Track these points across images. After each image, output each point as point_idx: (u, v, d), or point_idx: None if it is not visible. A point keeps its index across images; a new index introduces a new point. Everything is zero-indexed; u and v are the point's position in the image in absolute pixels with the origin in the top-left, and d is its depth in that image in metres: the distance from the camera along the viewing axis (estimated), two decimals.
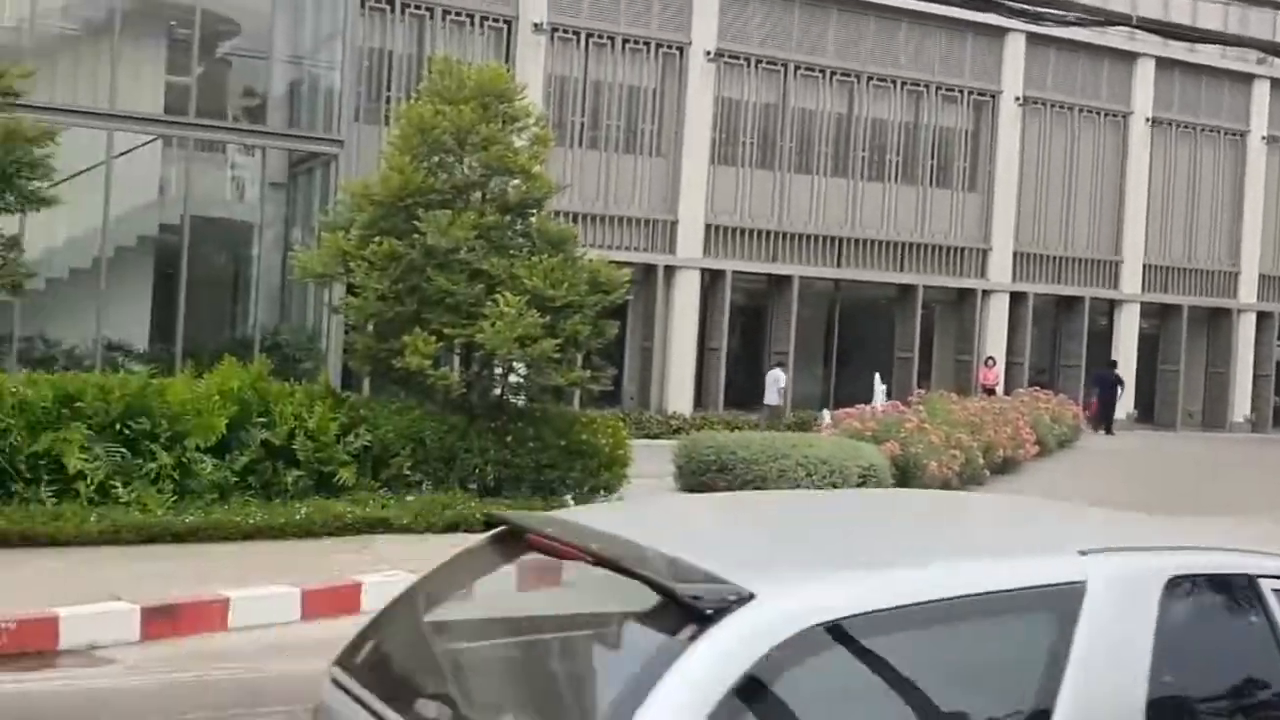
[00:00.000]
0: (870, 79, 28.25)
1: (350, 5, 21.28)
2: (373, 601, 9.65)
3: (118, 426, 11.87)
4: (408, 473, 13.10)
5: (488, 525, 3.78)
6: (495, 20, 24.41)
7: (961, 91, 29.41)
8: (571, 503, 13.49)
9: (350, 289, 14.31)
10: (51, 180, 12.64)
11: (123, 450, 11.80)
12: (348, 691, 3.37)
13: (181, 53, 20.88)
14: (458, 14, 24.01)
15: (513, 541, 3.60)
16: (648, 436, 21.93)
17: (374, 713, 3.20)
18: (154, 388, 12.43)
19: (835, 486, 14.79)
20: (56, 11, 20.05)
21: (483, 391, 14.02)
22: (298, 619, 9.24)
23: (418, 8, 23.75)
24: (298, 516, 11.82)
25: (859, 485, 14.87)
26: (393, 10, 23.53)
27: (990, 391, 27.67)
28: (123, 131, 19.69)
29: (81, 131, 18.48)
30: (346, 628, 8.99)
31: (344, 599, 9.61)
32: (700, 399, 26.42)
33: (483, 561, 3.76)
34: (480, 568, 3.80)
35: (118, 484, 11.58)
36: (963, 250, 29.60)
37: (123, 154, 19.79)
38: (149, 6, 20.75)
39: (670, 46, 26.14)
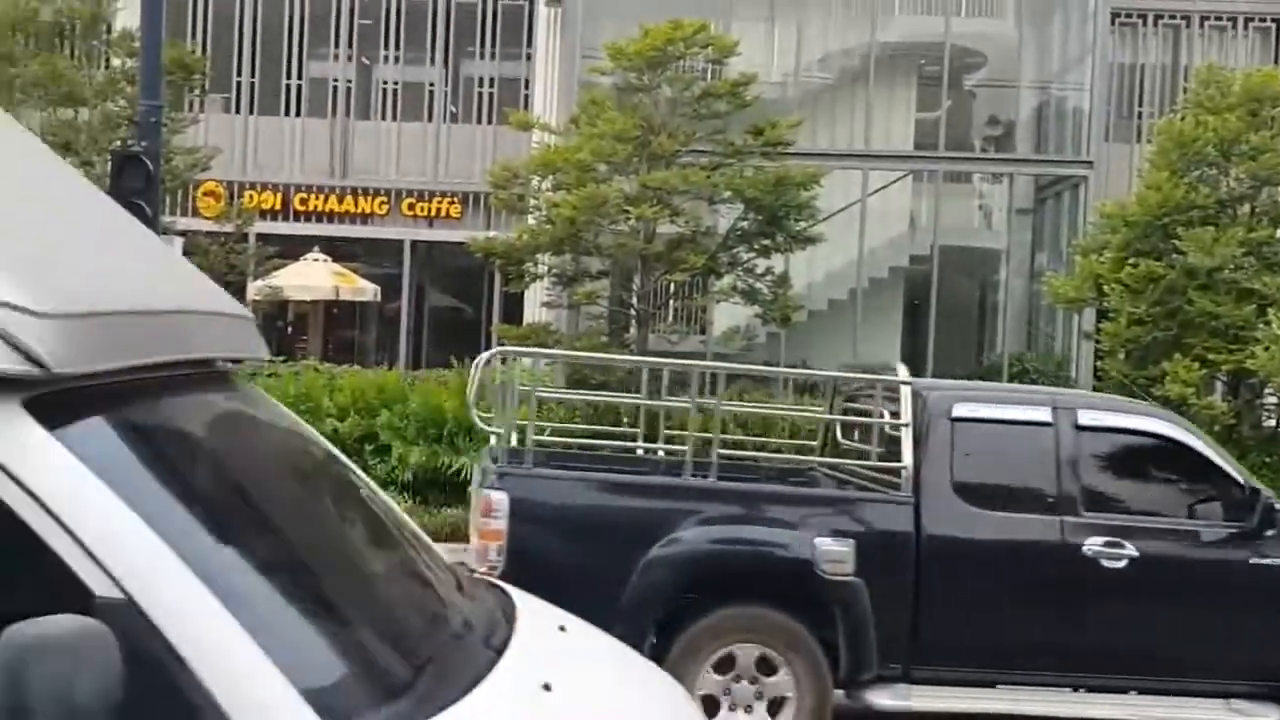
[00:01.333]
0: None
1: (1101, 23, 20.68)
2: None
3: None
4: None
5: None
6: (1261, 20, 22.43)
7: None
8: None
9: (1102, 314, 13.84)
10: (815, 220, 13.58)
11: None
12: None
13: (930, 89, 21.53)
14: (1218, 18, 22.40)
15: None
16: None
17: None
18: None
19: None
20: (816, 64, 21.58)
21: (1254, 423, 12.87)
22: None
23: (1172, 17, 22.50)
24: None
25: None
26: (1145, 23, 22.50)
27: None
28: (876, 170, 20.72)
29: (839, 173, 19.73)
30: None
31: None
32: None
33: None
34: None
35: None
36: None
37: (876, 191, 20.80)
38: (900, 49, 21.66)
39: None
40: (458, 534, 11.67)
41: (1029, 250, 22.18)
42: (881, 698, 6.12)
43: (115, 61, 14.00)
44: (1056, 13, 21.91)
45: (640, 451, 7.98)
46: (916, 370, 20.26)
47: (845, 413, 7.27)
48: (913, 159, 21.40)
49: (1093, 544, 6.19)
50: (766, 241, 13.29)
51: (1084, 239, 14.75)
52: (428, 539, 3.34)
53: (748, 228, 13.20)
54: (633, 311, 13.28)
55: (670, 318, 17.74)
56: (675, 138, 12.65)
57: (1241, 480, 6.44)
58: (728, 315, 17.05)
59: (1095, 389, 17.33)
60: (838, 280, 21.22)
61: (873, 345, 20.84)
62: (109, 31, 14.25)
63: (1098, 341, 14.10)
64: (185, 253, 11.64)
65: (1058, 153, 21.60)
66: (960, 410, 6.45)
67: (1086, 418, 6.48)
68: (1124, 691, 6.34)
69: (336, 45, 22.69)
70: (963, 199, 22.96)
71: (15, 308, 1.97)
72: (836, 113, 21.45)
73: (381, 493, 3.41)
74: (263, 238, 17.91)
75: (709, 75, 14.87)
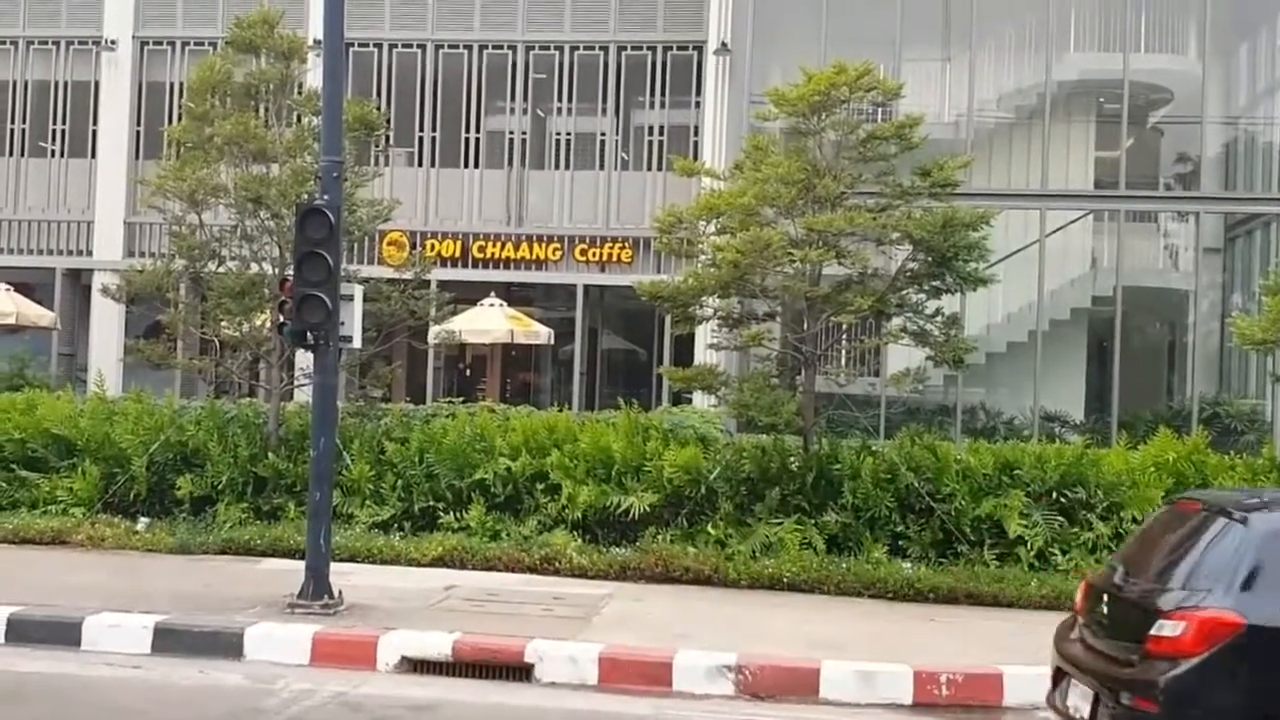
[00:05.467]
0: None
1: None
2: None
3: (1054, 495, 12.17)
4: None
5: None
6: None
7: None
8: None
9: None
10: (987, 261, 13.33)
11: (1060, 518, 12.06)
12: None
13: (1110, 127, 21.02)
14: None
15: None
16: None
17: None
18: (1089, 458, 12.54)
19: None
20: (991, 103, 21.29)
21: None
22: None
23: None
24: None
25: None
26: None
27: None
28: (1054, 210, 20.27)
29: (1014, 213, 19.37)
30: None
31: None
32: None
33: None
34: None
35: (1056, 551, 11.84)
36: None
37: (1054, 231, 20.35)
38: (1078, 87, 21.22)
39: None
40: (626, 573, 11.80)
41: (1219, 290, 21.37)
42: None
43: (303, 120, 14.70)
44: (1243, 46, 21.16)
45: None
46: (1100, 415, 19.71)
47: None
48: (1093, 198, 20.89)
49: None
50: (936, 283, 13.10)
51: (1273, 277, 14.09)
52: None
53: (917, 269, 13.04)
54: (801, 353, 13.22)
55: (842, 359, 17.64)
56: (841, 180, 12.62)
57: None
58: (903, 357, 16.87)
59: None
60: (1017, 322, 20.81)
61: (1054, 387, 20.32)
62: (298, 91, 14.98)
63: None
64: (367, 299, 12.10)
65: (1247, 190, 20.81)
66: None
67: None
68: None
69: (512, 99, 23.38)
70: (1147, 239, 22.27)
71: None
72: (1012, 152, 21.11)
73: None
74: (443, 284, 18.48)
75: (877, 117, 14.81)
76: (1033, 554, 11.85)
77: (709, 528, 12.37)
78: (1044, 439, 17.09)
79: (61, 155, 24.62)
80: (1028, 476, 12.28)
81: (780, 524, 12.27)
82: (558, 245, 22.91)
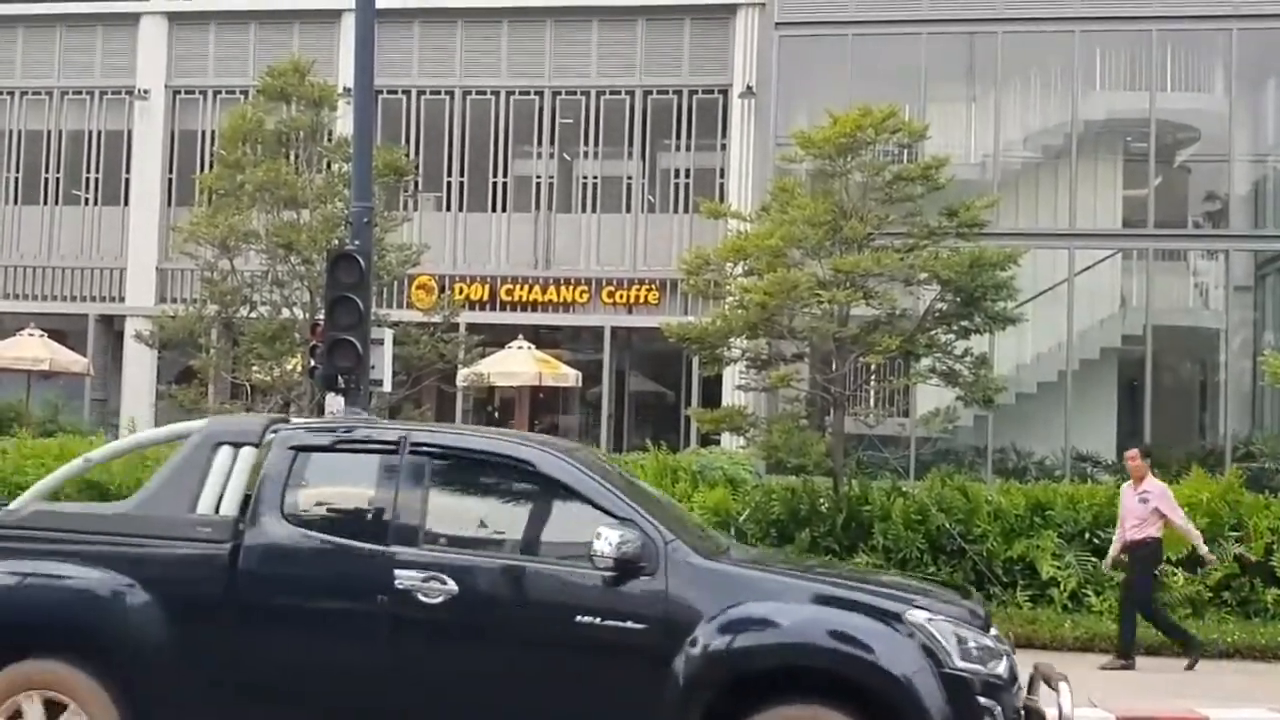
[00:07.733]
0: None
1: None
2: None
3: (1087, 535, 12.10)
4: None
5: None
6: None
7: None
8: None
9: None
10: (1015, 300, 13.32)
11: (1093, 559, 11.98)
12: None
13: (1137, 166, 20.97)
14: None
15: None
16: None
17: None
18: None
19: None
20: (1017, 143, 21.29)
21: None
22: None
23: None
24: None
25: None
26: None
27: None
28: (1082, 249, 20.21)
29: (1043, 252, 19.30)
30: None
31: None
32: None
33: None
34: None
35: (1089, 592, 11.75)
36: None
37: (1083, 270, 20.27)
38: (1105, 126, 21.20)
39: None
40: None
41: (1251, 328, 21.21)
42: None
43: (333, 166, 14.86)
44: (1270, 82, 21.11)
45: None
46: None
47: None
48: (1121, 237, 20.81)
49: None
50: (965, 323, 13.10)
51: None
52: None
53: (945, 309, 13.05)
54: (829, 394, 13.21)
55: (871, 400, 17.59)
56: (867, 221, 12.67)
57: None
58: (933, 397, 16.81)
59: None
60: (1046, 362, 20.69)
61: (1086, 427, 20.16)
62: (328, 138, 15.14)
63: None
64: (396, 343, 12.19)
65: (1277, 227, 20.68)
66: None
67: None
68: None
69: (539, 144, 23.54)
70: (1176, 277, 22.14)
71: None
72: (1039, 192, 21.08)
73: None
74: (471, 327, 18.58)
75: (903, 158, 14.86)
76: (1066, 595, 11.77)
77: None
78: (1076, 479, 16.95)
79: (95, 203, 24.92)
80: (1060, 517, 12.21)
81: None
82: (585, 288, 22.99)
